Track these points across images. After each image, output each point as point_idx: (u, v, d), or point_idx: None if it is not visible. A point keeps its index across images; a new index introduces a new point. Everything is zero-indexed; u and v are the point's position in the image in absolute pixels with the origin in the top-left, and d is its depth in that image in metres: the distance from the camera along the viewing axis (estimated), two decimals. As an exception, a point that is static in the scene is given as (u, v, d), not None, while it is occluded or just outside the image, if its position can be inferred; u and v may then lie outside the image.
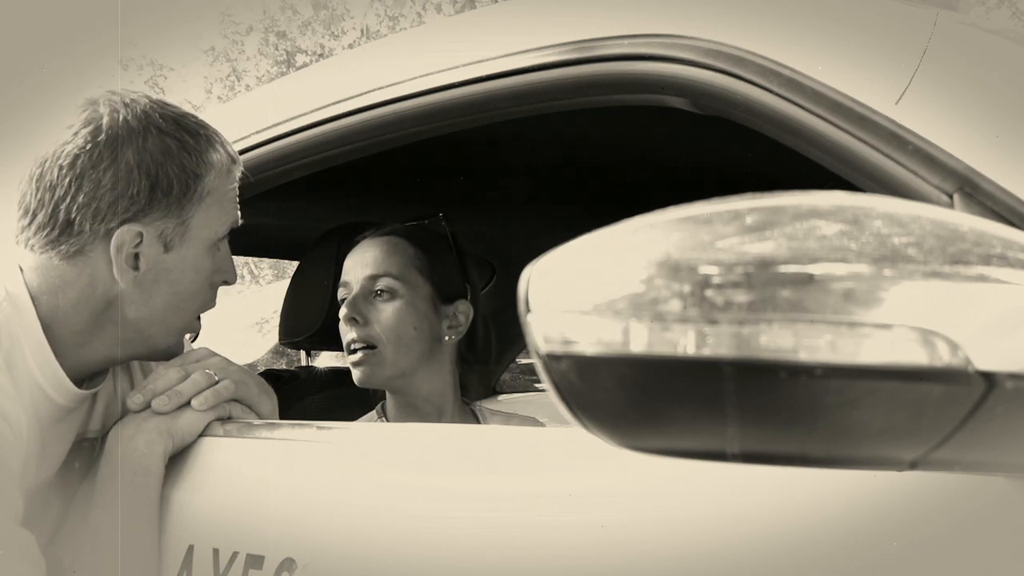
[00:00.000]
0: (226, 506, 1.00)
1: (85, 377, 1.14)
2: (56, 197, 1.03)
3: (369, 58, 1.20)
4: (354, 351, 1.42)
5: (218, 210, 1.11)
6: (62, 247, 1.05)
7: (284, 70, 13.68)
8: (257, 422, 1.11)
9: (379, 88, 1.10)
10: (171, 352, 1.17)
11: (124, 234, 1.04)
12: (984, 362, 0.46)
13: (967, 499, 0.60)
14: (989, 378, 0.46)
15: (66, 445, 1.14)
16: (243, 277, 12.52)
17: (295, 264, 1.90)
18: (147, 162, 1.04)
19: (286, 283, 1.83)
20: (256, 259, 11.52)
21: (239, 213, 1.15)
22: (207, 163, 1.08)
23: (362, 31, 14.11)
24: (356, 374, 1.43)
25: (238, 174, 1.15)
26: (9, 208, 1.10)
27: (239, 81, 14.59)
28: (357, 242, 1.49)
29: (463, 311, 1.48)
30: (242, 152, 1.22)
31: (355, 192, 1.72)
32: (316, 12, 14.19)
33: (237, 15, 14.54)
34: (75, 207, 1.03)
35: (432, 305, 1.45)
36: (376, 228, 1.50)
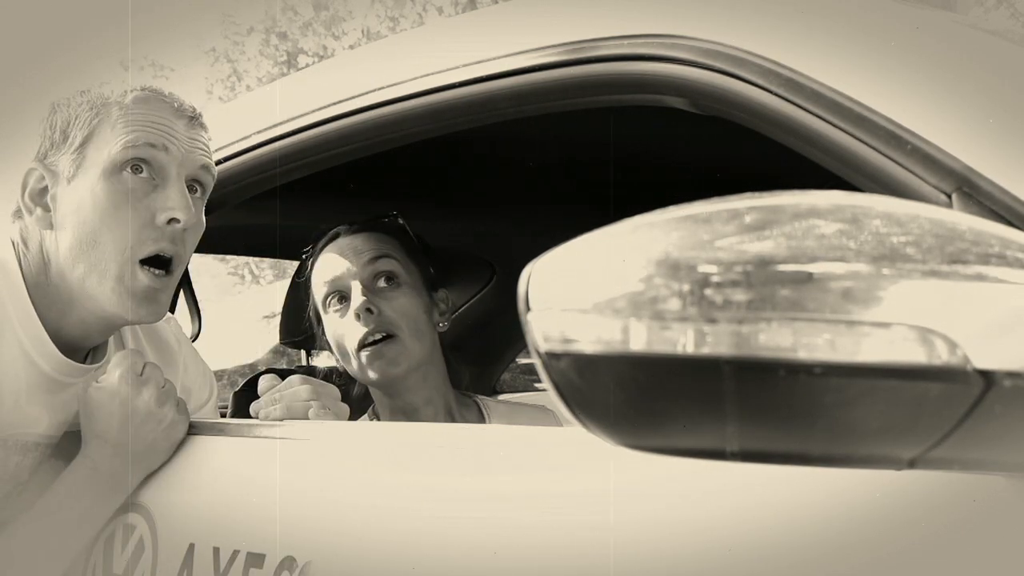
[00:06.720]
0: (226, 505, 1.00)
1: (77, 348, 1.13)
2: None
3: (370, 59, 1.20)
4: (370, 344, 1.34)
5: (110, 131, 1.08)
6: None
7: (285, 71, 13.66)
8: (256, 422, 1.11)
9: (379, 88, 1.10)
10: (117, 316, 1.09)
11: (27, 176, 1.11)
12: (982, 361, 0.46)
13: (966, 498, 0.60)
14: (987, 376, 0.46)
15: (67, 414, 1.13)
16: (243, 277, 12.51)
17: (295, 264, 1.89)
18: (59, 110, 1.11)
19: (286, 283, 1.83)
20: (256, 259, 11.51)
21: (151, 136, 1.09)
22: (103, 100, 1.11)
23: (363, 32, 14.10)
24: (375, 368, 1.34)
25: (156, 101, 1.11)
26: (3, 192, 1.15)
27: (240, 82, 14.57)
28: (321, 249, 1.44)
29: (443, 299, 1.46)
30: (242, 152, 1.22)
31: (356, 192, 1.72)
32: (317, 13, 14.17)
33: (238, 16, 14.53)
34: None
35: (427, 292, 1.43)
36: (337, 230, 1.45)
